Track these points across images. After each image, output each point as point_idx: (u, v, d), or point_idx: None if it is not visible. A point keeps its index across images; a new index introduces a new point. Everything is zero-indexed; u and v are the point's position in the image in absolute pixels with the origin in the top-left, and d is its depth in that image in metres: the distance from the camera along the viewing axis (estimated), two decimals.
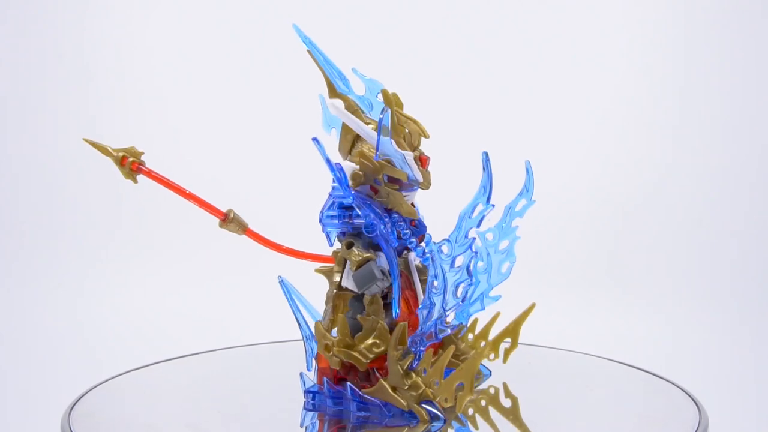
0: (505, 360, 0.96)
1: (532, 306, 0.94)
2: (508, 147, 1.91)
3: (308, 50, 0.86)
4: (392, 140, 0.81)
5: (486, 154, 0.81)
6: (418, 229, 0.85)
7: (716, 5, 1.92)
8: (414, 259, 0.85)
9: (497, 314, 0.96)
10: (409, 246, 0.85)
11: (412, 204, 0.85)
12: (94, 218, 1.94)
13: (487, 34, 1.97)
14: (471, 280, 0.84)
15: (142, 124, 1.98)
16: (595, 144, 1.92)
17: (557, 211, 1.88)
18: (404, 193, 0.84)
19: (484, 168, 0.81)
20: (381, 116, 0.79)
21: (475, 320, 0.95)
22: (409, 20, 1.96)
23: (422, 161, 0.84)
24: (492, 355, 0.96)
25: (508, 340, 0.96)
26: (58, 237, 1.92)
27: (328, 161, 0.81)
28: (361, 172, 0.83)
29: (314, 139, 0.80)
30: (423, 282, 0.86)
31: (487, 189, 0.81)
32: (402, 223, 0.84)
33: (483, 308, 0.91)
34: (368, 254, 0.83)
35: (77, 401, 0.89)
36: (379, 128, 0.80)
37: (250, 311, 1.70)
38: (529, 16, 1.98)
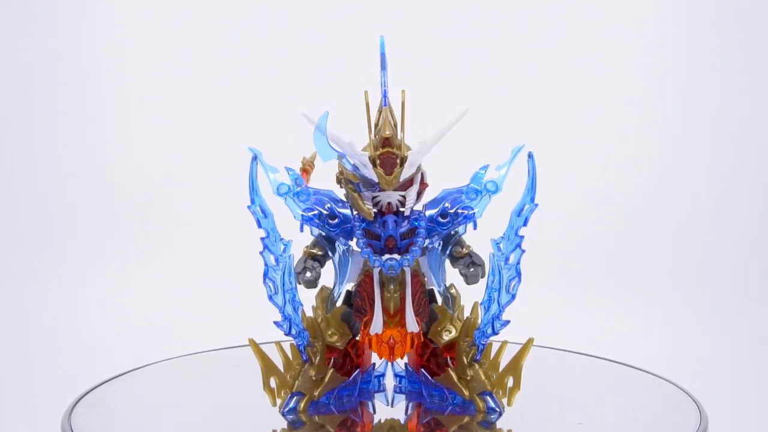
0: (510, 402, 0.86)
1: (530, 342, 0.86)
2: (508, 147, 1.92)
3: (381, 56, 0.85)
4: (351, 142, 0.81)
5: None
6: (387, 231, 0.83)
7: (716, 5, 1.92)
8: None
9: (504, 343, 0.87)
10: (360, 250, 0.84)
11: (389, 204, 0.83)
12: (93, 218, 1.94)
13: (487, 34, 1.97)
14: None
15: (142, 124, 1.98)
16: (595, 144, 1.92)
17: (557, 211, 1.88)
18: (374, 194, 0.83)
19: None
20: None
21: (489, 345, 0.87)
22: (409, 20, 1.96)
23: (381, 160, 0.81)
24: (500, 392, 0.86)
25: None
26: (58, 237, 1.92)
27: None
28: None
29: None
30: (382, 285, 0.85)
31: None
32: (358, 223, 0.84)
33: (495, 332, 0.86)
34: (305, 248, 0.87)
35: (77, 401, 0.90)
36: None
37: (250, 311, 1.69)
38: (529, 16, 1.98)
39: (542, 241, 1.84)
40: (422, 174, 0.85)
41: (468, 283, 0.85)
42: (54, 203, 1.94)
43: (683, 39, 1.94)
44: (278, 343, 0.86)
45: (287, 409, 0.86)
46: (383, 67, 0.84)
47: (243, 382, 0.90)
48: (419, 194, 0.85)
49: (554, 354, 1.12)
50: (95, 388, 0.95)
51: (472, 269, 0.85)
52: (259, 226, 0.82)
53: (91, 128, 1.98)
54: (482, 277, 0.86)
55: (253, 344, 0.86)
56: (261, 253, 0.82)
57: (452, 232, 0.85)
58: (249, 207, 0.82)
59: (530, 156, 0.83)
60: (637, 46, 1.96)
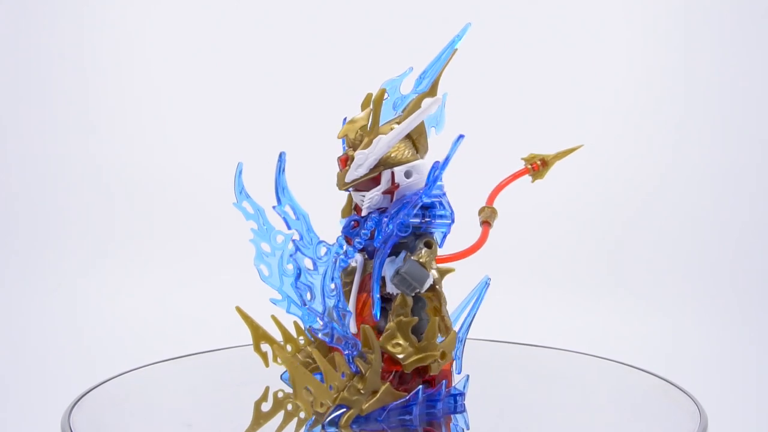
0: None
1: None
2: (508, 148, 1.91)
3: (454, 50, 0.85)
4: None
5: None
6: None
7: (717, 5, 1.92)
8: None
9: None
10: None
11: (356, 204, 0.84)
12: (93, 218, 1.94)
13: (486, 35, 1.97)
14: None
15: (142, 125, 1.98)
16: (596, 144, 1.92)
17: (558, 212, 1.88)
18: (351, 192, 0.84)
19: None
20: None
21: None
22: (409, 20, 1.96)
23: (340, 161, 0.83)
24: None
25: None
26: (58, 237, 1.92)
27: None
28: None
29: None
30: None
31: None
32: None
33: (330, 342, 0.83)
34: None
35: (77, 401, 0.89)
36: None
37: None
38: (529, 16, 1.98)
39: (543, 241, 1.86)
40: (392, 174, 0.81)
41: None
42: (54, 203, 1.94)
43: (684, 39, 1.94)
44: (273, 317, 0.89)
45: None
46: (443, 57, 0.83)
47: (243, 383, 0.90)
48: (392, 194, 0.82)
49: (554, 354, 1.12)
50: (95, 387, 0.95)
51: (395, 279, 0.81)
52: (247, 219, 0.84)
53: (91, 128, 1.98)
54: (415, 288, 0.81)
55: (241, 312, 0.86)
56: (251, 240, 0.84)
57: (405, 238, 0.81)
58: (234, 204, 0.84)
59: (280, 156, 0.79)
60: (638, 46, 1.96)
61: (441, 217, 0.82)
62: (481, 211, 0.92)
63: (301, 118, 1.87)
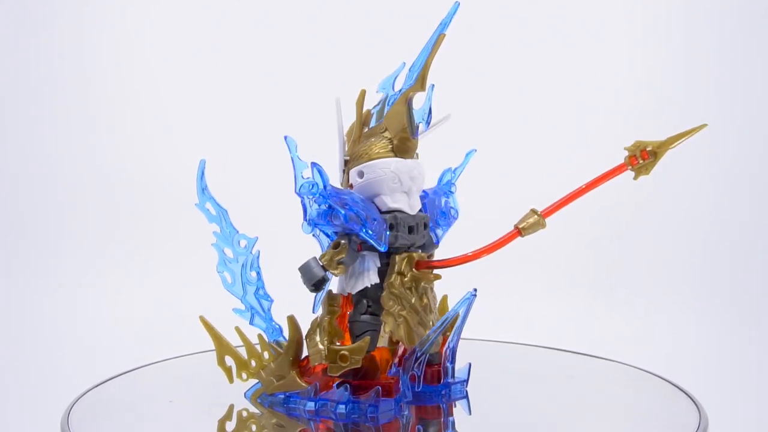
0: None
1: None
2: (508, 149, 1.92)
3: (442, 35, 0.80)
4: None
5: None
6: None
7: (717, 5, 1.92)
8: None
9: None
10: None
11: None
12: (93, 218, 1.94)
13: (486, 35, 1.97)
14: None
15: (142, 125, 1.98)
16: (596, 144, 1.92)
17: (557, 211, 1.87)
18: None
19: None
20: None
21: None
22: (409, 20, 1.96)
23: None
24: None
25: None
26: (58, 237, 1.92)
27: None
28: None
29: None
30: None
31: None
32: None
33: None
34: None
35: (77, 401, 0.90)
36: None
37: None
38: (529, 16, 1.98)
39: (542, 241, 1.85)
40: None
41: None
42: (54, 203, 1.94)
43: (683, 39, 1.94)
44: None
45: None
46: (429, 45, 0.79)
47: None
48: None
49: (554, 354, 1.12)
50: (95, 387, 0.95)
51: None
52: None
53: (91, 128, 1.98)
54: (306, 285, 0.81)
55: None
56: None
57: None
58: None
59: (201, 162, 0.87)
60: (638, 45, 1.96)
61: (337, 218, 0.79)
62: (530, 211, 0.85)
63: (301, 118, 1.87)
